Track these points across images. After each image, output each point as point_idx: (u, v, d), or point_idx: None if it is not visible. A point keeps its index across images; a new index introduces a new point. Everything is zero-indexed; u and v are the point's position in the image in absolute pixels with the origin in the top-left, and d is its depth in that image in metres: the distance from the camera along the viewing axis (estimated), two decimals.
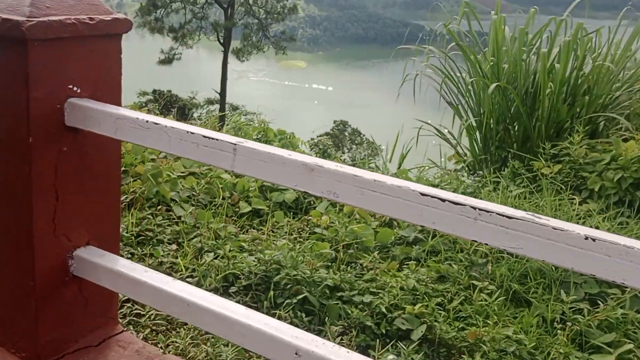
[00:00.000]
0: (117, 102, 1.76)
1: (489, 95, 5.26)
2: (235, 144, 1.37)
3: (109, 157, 1.85)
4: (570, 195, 4.01)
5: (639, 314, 2.87)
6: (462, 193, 4.50)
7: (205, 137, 1.42)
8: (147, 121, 1.51)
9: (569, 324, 2.84)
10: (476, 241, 1.08)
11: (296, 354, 1.47)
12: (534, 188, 4.26)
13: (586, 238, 1.00)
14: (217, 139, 1.40)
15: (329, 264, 3.36)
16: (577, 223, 3.71)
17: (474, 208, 1.07)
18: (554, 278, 3.16)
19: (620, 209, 3.96)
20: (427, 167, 5.63)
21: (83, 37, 1.68)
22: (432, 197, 1.11)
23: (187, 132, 1.44)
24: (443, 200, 1.10)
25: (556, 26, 5.49)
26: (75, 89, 1.70)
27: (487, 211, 1.06)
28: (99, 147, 1.79)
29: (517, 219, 1.04)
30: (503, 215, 1.05)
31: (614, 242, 0.99)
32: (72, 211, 1.82)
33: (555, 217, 3.80)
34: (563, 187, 4.15)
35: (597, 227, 3.61)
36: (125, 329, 2.22)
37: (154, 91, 24.21)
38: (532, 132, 5.23)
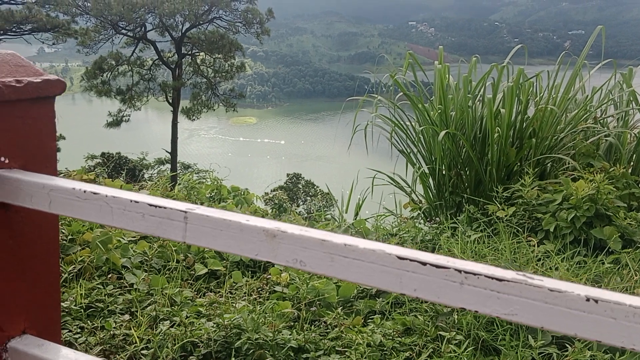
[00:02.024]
0: (52, 172, 1.61)
1: (439, 142, 5.32)
2: (186, 212, 1.22)
3: (45, 234, 1.68)
4: (527, 237, 4.02)
5: (607, 355, 2.83)
6: (421, 240, 4.47)
7: (151, 205, 1.26)
8: (84, 191, 1.35)
9: None
10: (465, 309, 0.96)
11: None
12: (491, 231, 4.26)
13: (587, 299, 0.89)
14: (164, 207, 1.25)
15: (292, 323, 3.23)
16: (536, 265, 3.71)
17: (459, 271, 0.96)
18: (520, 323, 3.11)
19: (576, 248, 3.98)
20: (383, 216, 5.60)
21: (10, 102, 1.54)
22: (412, 260, 0.99)
23: (131, 201, 1.29)
24: (424, 263, 0.98)
25: (498, 73, 5.65)
26: (2, 159, 1.55)
27: (475, 274, 0.95)
28: (33, 223, 1.62)
29: (508, 280, 0.93)
30: (492, 278, 0.93)
31: (619, 303, 0.88)
32: (4, 298, 1.64)
33: (514, 260, 3.80)
34: (519, 229, 4.16)
35: (556, 268, 3.61)
36: None
37: (103, 154, 23.78)
38: (483, 176, 5.29)
